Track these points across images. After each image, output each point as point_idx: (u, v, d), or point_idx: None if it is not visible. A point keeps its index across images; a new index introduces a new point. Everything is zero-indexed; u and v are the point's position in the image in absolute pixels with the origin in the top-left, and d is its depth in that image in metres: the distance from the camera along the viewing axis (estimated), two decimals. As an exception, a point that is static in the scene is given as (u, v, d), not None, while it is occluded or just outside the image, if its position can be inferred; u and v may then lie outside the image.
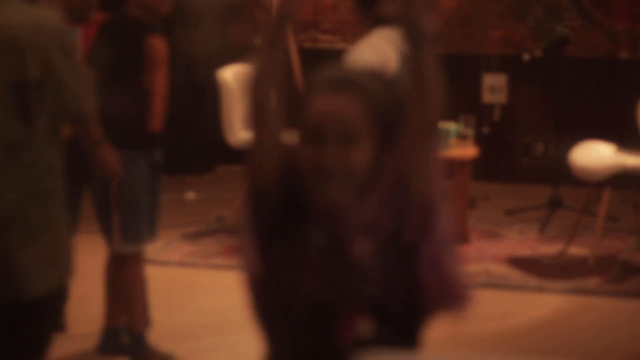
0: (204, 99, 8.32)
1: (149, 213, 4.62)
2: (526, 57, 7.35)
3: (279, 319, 2.19)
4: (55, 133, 2.92)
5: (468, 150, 6.62)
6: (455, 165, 6.47)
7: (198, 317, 5.33)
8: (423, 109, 2.09)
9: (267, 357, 2.25)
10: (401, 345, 2.13)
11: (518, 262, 6.27)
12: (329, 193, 2.11)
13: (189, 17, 8.44)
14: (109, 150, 4.19)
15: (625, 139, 6.39)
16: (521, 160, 8.57)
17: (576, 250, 6.46)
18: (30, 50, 2.80)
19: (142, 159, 4.53)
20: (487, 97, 8.51)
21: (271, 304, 2.19)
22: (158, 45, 4.52)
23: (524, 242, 6.77)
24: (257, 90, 2.18)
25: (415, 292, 2.13)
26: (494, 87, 8.50)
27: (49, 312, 2.99)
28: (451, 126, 6.56)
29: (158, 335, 4.80)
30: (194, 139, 8.45)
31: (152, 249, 5.92)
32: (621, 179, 6.11)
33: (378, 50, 4.39)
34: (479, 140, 7.35)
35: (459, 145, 6.60)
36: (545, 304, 5.59)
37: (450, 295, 2.15)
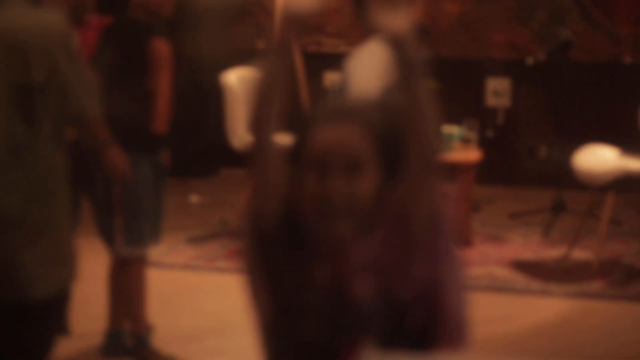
0: (207, 102, 8.32)
1: (153, 216, 4.63)
2: (530, 61, 7.36)
3: (284, 356, 2.19)
4: (60, 135, 2.92)
5: (472, 154, 6.62)
6: (458, 169, 6.47)
7: (201, 319, 5.33)
8: (420, 144, 2.06)
9: None
10: None
11: (522, 266, 6.27)
12: (333, 225, 2.08)
13: (193, 20, 8.45)
14: (117, 151, 4.20)
15: (629, 143, 6.38)
16: (525, 164, 8.57)
17: (580, 253, 6.46)
18: (35, 53, 2.81)
19: (146, 161, 4.53)
20: (491, 101, 8.51)
21: (276, 342, 2.19)
22: (162, 48, 4.53)
23: (528, 245, 6.76)
24: (258, 129, 2.15)
25: (417, 331, 2.12)
26: (497, 90, 8.49)
27: (52, 313, 2.99)
28: (455, 130, 6.56)
29: (161, 338, 4.81)
30: (197, 142, 8.45)
31: (156, 252, 5.92)
32: (625, 183, 6.11)
33: (377, 57, 4.40)
34: (483, 143, 7.36)
35: (462, 149, 6.60)
36: (549, 308, 5.59)
37: (451, 337, 2.14)
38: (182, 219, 7.28)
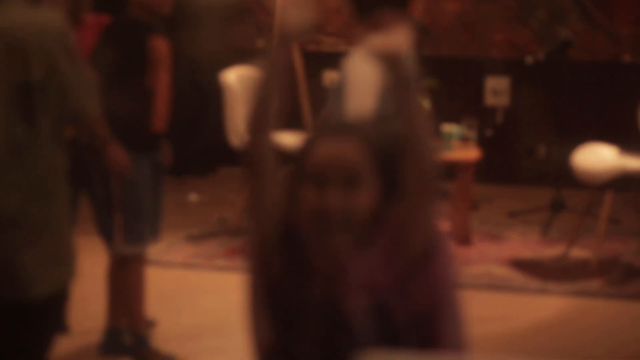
0: (207, 101, 8.32)
1: (152, 214, 4.63)
2: (529, 60, 7.35)
3: None
4: (59, 134, 2.92)
5: (471, 153, 6.63)
6: (457, 168, 6.48)
7: (200, 318, 5.33)
8: (417, 166, 2.08)
9: None
10: None
11: (520, 264, 6.28)
12: (330, 239, 2.09)
13: (193, 19, 8.45)
14: (118, 148, 4.29)
15: (628, 142, 6.38)
16: (524, 163, 8.57)
17: (578, 252, 6.46)
18: (34, 52, 2.81)
19: (144, 160, 4.53)
20: (490, 100, 8.51)
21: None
22: (160, 46, 4.54)
23: (526, 244, 6.77)
24: (255, 137, 2.19)
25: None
26: (496, 90, 8.50)
27: (51, 312, 2.99)
28: (454, 129, 6.57)
29: (160, 337, 4.81)
30: (196, 140, 8.45)
31: (155, 251, 5.93)
32: (623, 182, 6.11)
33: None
34: (482, 142, 7.36)
35: (461, 148, 6.60)
36: (547, 306, 5.59)
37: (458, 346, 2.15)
38: (181, 217, 7.28)
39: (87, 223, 4.79)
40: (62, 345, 4.69)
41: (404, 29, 2.03)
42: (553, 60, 7.46)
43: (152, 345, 4.69)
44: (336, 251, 2.10)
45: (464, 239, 6.57)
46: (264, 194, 2.17)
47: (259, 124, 2.16)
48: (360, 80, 4.18)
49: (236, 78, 7.13)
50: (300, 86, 7.61)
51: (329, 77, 8.31)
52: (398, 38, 2.01)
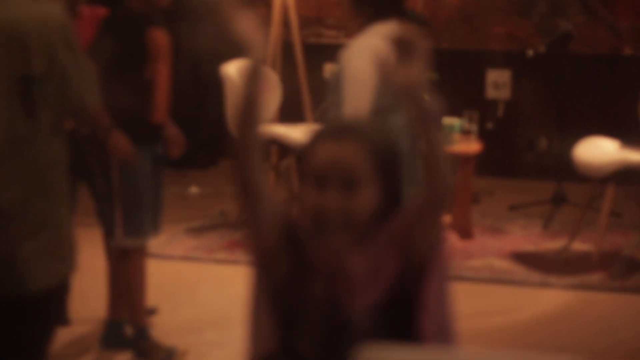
0: (207, 93, 8.31)
1: (152, 207, 4.63)
2: (530, 53, 7.34)
3: None
4: (59, 127, 2.92)
5: (472, 146, 6.62)
6: (458, 161, 6.46)
7: (201, 311, 5.33)
8: (435, 185, 2.11)
9: None
10: None
11: (521, 258, 6.27)
12: (329, 239, 2.11)
13: (193, 11, 8.43)
14: (121, 136, 4.34)
15: (629, 135, 6.38)
16: (525, 156, 8.56)
17: (580, 245, 6.46)
18: (35, 44, 2.81)
19: (144, 153, 4.53)
20: (491, 93, 8.50)
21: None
22: (160, 38, 4.53)
23: (528, 237, 6.76)
24: (241, 173, 2.20)
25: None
26: (497, 83, 8.49)
27: (52, 305, 2.99)
28: (455, 122, 6.56)
29: (161, 330, 4.81)
30: (197, 133, 8.44)
31: (156, 243, 5.92)
32: (625, 175, 6.10)
33: (372, 49, 4.38)
34: (483, 135, 7.35)
35: (462, 141, 6.59)
36: (549, 300, 5.59)
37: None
38: (181, 210, 7.28)
39: (86, 215, 4.78)
40: (63, 338, 4.69)
41: (423, 61, 2.06)
42: (554, 53, 7.45)
43: (153, 338, 4.68)
44: (336, 250, 2.12)
45: (465, 233, 6.57)
46: (252, 193, 2.20)
47: (245, 120, 2.17)
48: (357, 73, 4.18)
49: (237, 71, 7.11)
50: (300, 79, 7.60)
51: (330, 69, 8.30)
52: (417, 69, 2.03)
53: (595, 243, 6.23)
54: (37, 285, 2.86)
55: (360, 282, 2.12)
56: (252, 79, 2.18)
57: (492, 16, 8.47)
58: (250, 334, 2.24)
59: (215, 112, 7.62)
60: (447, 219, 2.08)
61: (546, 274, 5.96)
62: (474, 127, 6.74)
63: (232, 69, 7.12)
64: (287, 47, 7.77)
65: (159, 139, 4.65)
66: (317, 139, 2.17)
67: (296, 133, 6.63)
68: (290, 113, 7.56)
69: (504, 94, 8.49)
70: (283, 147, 6.87)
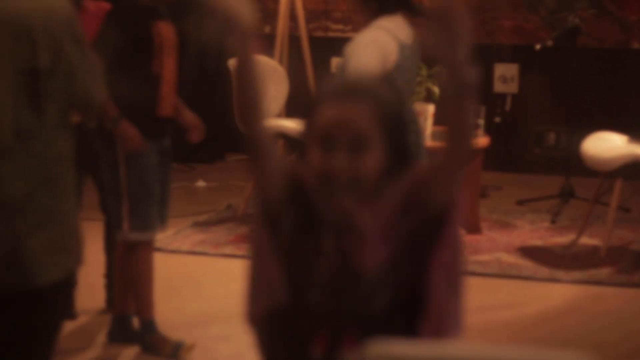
0: (214, 87, 8.30)
1: (159, 201, 4.62)
2: (538, 46, 7.32)
3: (282, 332, 2.18)
4: (65, 121, 2.92)
5: (479, 140, 6.60)
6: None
7: (208, 305, 5.32)
8: (456, 151, 2.13)
9: None
10: None
11: (529, 252, 6.26)
12: (338, 202, 2.11)
13: (199, 4, 8.43)
14: (129, 126, 4.37)
15: (637, 129, 6.36)
16: (533, 150, 8.54)
17: (588, 240, 6.44)
18: (41, 38, 2.80)
19: (151, 146, 4.52)
20: (499, 87, 8.49)
21: (276, 318, 2.18)
22: (165, 31, 4.52)
23: (536, 232, 6.75)
24: (249, 125, 2.20)
25: (420, 306, 2.11)
26: (505, 76, 8.47)
27: (58, 300, 2.99)
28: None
29: (168, 324, 4.80)
30: (204, 127, 8.42)
31: (162, 238, 5.92)
32: (633, 169, 6.09)
33: (376, 43, 4.38)
34: (491, 130, 7.33)
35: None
36: (557, 294, 5.58)
37: (449, 315, 2.13)
38: (188, 204, 7.27)
39: (92, 209, 4.77)
40: (70, 332, 4.68)
41: (469, 35, 2.07)
42: (562, 47, 7.43)
43: (160, 332, 4.68)
44: (344, 210, 2.12)
45: (473, 227, 6.55)
46: (267, 173, 2.20)
47: (249, 113, 2.17)
48: (360, 66, 4.18)
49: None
50: (307, 73, 7.59)
51: (337, 63, 8.28)
52: (464, 44, 2.04)
53: (604, 238, 6.22)
54: (44, 279, 2.86)
55: (370, 239, 2.11)
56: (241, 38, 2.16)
57: (500, 10, 8.45)
58: (253, 289, 2.21)
59: (222, 106, 7.61)
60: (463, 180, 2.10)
61: (554, 268, 5.95)
62: (481, 122, 6.72)
63: (239, 63, 7.10)
64: (293, 41, 7.76)
65: (166, 133, 4.64)
66: (323, 99, 2.16)
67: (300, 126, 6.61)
68: (297, 107, 7.55)
69: (512, 88, 8.47)
70: (290, 141, 6.85)
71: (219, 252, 6.21)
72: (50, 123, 2.84)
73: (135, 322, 4.75)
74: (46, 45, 2.81)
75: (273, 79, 7.01)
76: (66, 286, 3.05)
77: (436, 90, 6.52)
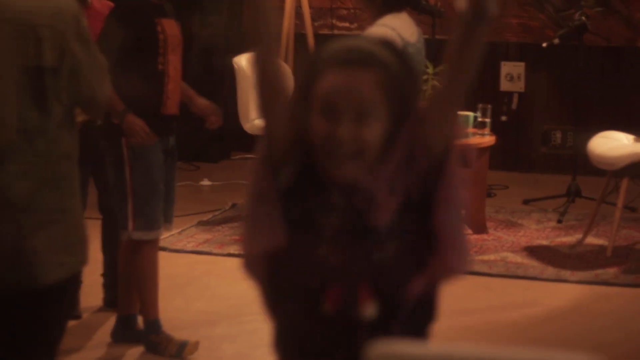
0: (219, 85, 8.29)
1: (165, 200, 4.60)
2: (544, 45, 7.30)
3: (290, 288, 2.15)
4: (71, 119, 2.91)
5: (486, 139, 6.58)
6: (475, 154, 6.42)
7: (213, 305, 5.31)
8: (459, 79, 2.11)
9: (275, 334, 2.21)
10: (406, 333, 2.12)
11: (535, 252, 6.24)
12: (342, 169, 2.08)
13: (206, 2, 8.42)
14: (135, 118, 4.38)
15: (645, 128, 6.35)
16: (539, 149, 8.53)
17: (594, 240, 6.43)
18: (47, 36, 2.79)
19: (157, 145, 4.51)
20: (505, 85, 8.47)
21: (283, 272, 2.16)
22: (170, 28, 4.51)
23: (542, 231, 6.73)
24: (259, 62, 2.16)
25: (428, 256, 2.11)
26: (511, 75, 8.45)
27: (63, 299, 2.98)
28: (469, 114, 6.52)
29: (172, 323, 4.79)
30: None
31: (167, 237, 5.92)
32: (639, 168, 6.07)
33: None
34: (497, 128, 7.31)
35: (476, 134, 6.56)
36: (563, 294, 5.56)
37: (458, 247, 2.12)
38: (193, 203, 7.26)
39: (90, 208, 4.76)
40: (74, 332, 4.67)
41: None
42: (568, 45, 7.41)
43: (165, 331, 4.66)
44: (349, 175, 2.10)
45: (479, 227, 6.53)
46: (275, 108, 2.17)
47: (259, 36, 2.13)
48: None
49: (248, 63, 7.09)
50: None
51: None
52: None
53: (610, 237, 6.20)
54: (49, 279, 2.85)
55: (378, 196, 2.09)
56: None
57: (507, 8, 8.42)
58: (251, 231, 2.18)
59: (228, 104, 7.60)
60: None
61: (560, 268, 5.93)
62: (487, 120, 6.70)
63: (245, 62, 7.10)
64: (299, 39, 7.75)
65: (171, 131, 4.63)
66: (325, 64, 2.10)
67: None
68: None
69: (518, 86, 8.45)
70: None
71: (223, 252, 6.20)
72: (56, 121, 2.84)
73: (140, 321, 4.74)
74: (52, 44, 2.80)
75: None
76: (71, 285, 3.05)
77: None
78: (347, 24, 8.70)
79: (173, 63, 4.54)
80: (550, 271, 5.89)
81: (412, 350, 1.60)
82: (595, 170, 6.44)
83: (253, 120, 7.07)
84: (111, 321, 4.83)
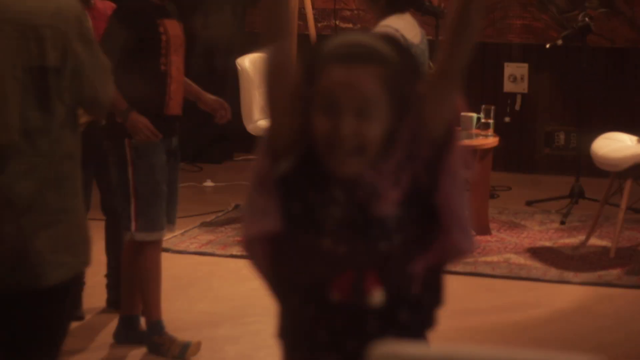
0: (222, 86, 8.28)
1: (168, 201, 4.60)
2: (548, 46, 7.30)
3: (296, 280, 2.15)
4: (73, 120, 2.91)
5: (489, 140, 6.57)
6: (476, 155, 6.42)
7: (216, 306, 5.31)
8: (457, 54, 2.10)
9: (281, 324, 2.21)
10: (413, 322, 2.12)
11: (539, 253, 6.23)
12: (344, 165, 2.08)
13: (209, 3, 8.41)
14: (139, 116, 4.37)
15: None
16: (542, 151, 8.52)
17: (597, 241, 6.42)
18: (50, 36, 2.79)
19: (159, 146, 4.50)
20: (509, 86, 8.46)
21: (288, 266, 2.15)
22: (172, 29, 4.51)
23: (545, 233, 6.72)
24: (270, 15, 2.17)
25: (432, 245, 2.11)
26: (515, 76, 8.44)
27: (65, 299, 2.97)
28: (472, 115, 6.52)
29: (176, 324, 4.78)
30: (212, 127, 8.41)
31: (170, 238, 5.91)
32: (643, 170, 6.07)
33: None
34: (500, 129, 7.30)
35: (480, 135, 6.56)
36: (566, 295, 5.55)
37: (463, 226, 2.11)
38: (196, 204, 7.26)
39: (93, 209, 4.76)
40: (76, 333, 4.67)
41: None
42: (572, 46, 7.41)
43: (167, 332, 4.66)
44: (351, 171, 2.10)
45: (483, 228, 6.53)
46: (280, 96, 2.15)
47: (275, 29, 2.14)
48: None
49: (252, 64, 7.10)
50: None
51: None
52: None
53: (613, 239, 6.19)
54: (51, 279, 2.85)
55: (381, 189, 2.09)
56: None
57: (510, 9, 8.42)
58: (249, 214, 2.18)
59: (230, 105, 7.58)
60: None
61: (563, 269, 5.92)
62: (491, 121, 6.69)
63: (247, 62, 7.10)
64: (302, 40, 7.74)
65: (174, 132, 4.63)
66: (326, 60, 2.09)
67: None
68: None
69: (522, 87, 8.44)
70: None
71: (226, 253, 6.19)
72: (58, 122, 2.83)
73: (143, 322, 4.73)
74: (54, 44, 2.80)
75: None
76: (73, 286, 3.04)
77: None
78: (350, 25, 8.70)
79: (175, 64, 4.53)
80: (553, 272, 5.88)
81: (414, 351, 1.60)
82: (599, 172, 6.43)
83: (256, 121, 7.07)
84: (114, 322, 4.83)
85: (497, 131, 6.77)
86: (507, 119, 8.37)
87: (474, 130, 6.53)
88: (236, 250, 6.20)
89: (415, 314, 2.12)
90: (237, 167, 8.64)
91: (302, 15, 7.73)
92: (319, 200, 2.11)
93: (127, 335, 4.75)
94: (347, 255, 2.09)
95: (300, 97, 2.11)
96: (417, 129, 2.10)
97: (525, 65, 8.41)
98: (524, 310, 5.34)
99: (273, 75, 2.15)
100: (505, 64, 8.44)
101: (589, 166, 6.57)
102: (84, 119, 3.17)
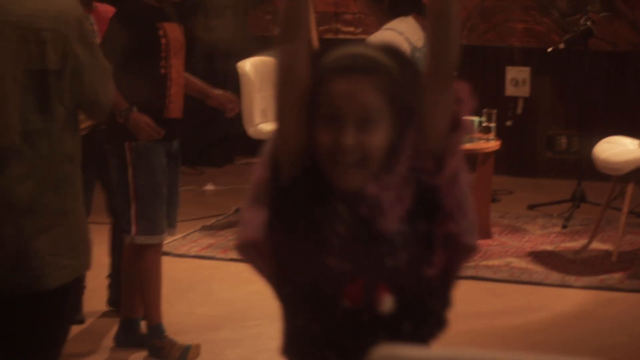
0: (223, 89, 8.28)
1: (169, 204, 4.59)
2: (550, 49, 7.29)
3: (304, 295, 2.14)
4: (74, 122, 2.91)
5: (490, 144, 6.57)
6: (478, 159, 6.41)
7: (216, 309, 5.30)
8: (444, 53, 2.10)
9: (286, 336, 2.20)
10: (420, 328, 2.12)
11: (540, 257, 6.22)
12: (347, 178, 2.08)
13: (209, 6, 8.41)
14: (141, 115, 4.37)
15: (650, 133, 6.34)
16: (544, 154, 8.51)
17: (599, 245, 6.41)
18: (50, 39, 2.80)
19: (160, 148, 4.50)
20: (510, 90, 8.45)
21: (295, 281, 2.15)
22: (172, 32, 4.50)
23: (547, 237, 6.71)
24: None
25: (437, 257, 2.10)
26: (517, 79, 8.43)
27: (65, 302, 2.97)
28: (474, 119, 6.51)
29: (176, 327, 4.78)
30: (213, 130, 8.42)
31: (170, 241, 5.91)
32: (645, 174, 6.06)
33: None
34: (502, 133, 7.29)
35: (481, 139, 6.55)
36: (567, 300, 5.54)
37: (466, 218, 2.10)
38: (197, 208, 7.25)
39: (98, 213, 4.76)
40: (77, 337, 4.67)
41: None
42: (574, 49, 7.40)
43: (168, 336, 4.65)
44: (354, 184, 2.09)
45: (484, 232, 6.51)
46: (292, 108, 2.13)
47: (292, 32, 2.15)
48: None
49: (253, 67, 7.09)
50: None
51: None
52: None
53: (615, 243, 6.18)
54: (51, 282, 2.84)
55: (385, 204, 2.08)
56: None
57: (512, 12, 8.41)
58: (242, 221, 2.18)
59: (232, 108, 7.58)
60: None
61: (565, 273, 5.91)
62: (492, 125, 6.68)
63: (248, 66, 7.10)
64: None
65: (175, 135, 4.62)
66: (328, 73, 2.09)
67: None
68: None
69: (523, 91, 8.44)
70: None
71: (227, 256, 6.18)
72: (58, 124, 2.84)
73: (143, 326, 4.72)
74: (55, 47, 2.80)
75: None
76: (73, 289, 3.04)
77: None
78: (352, 29, 8.69)
79: (176, 67, 4.53)
80: (555, 276, 5.87)
81: (416, 353, 1.59)
82: (601, 176, 6.42)
83: (257, 124, 7.06)
84: (115, 326, 4.82)
85: (499, 135, 6.76)
86: (508, 123, 8.36)
87: (476, 134, 6.52)
88: (237, 254, 6.19)
89: (424, 317, 2.12)
90: (238, 170, 8.63)
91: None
92: (323, 216, 2.10)
93: (127, 338, 4.75)
94: (353, 272, 2.08)
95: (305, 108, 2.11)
96: (419, 142, 2.10)
97: (527, 69, 8.41)
98: (526, 314, 5.33)
99: (284, 81, 2.13)
100: (507, 68, 8.44)
101: (591, 170, 6.56)
102: (86, 123, 3.17)
